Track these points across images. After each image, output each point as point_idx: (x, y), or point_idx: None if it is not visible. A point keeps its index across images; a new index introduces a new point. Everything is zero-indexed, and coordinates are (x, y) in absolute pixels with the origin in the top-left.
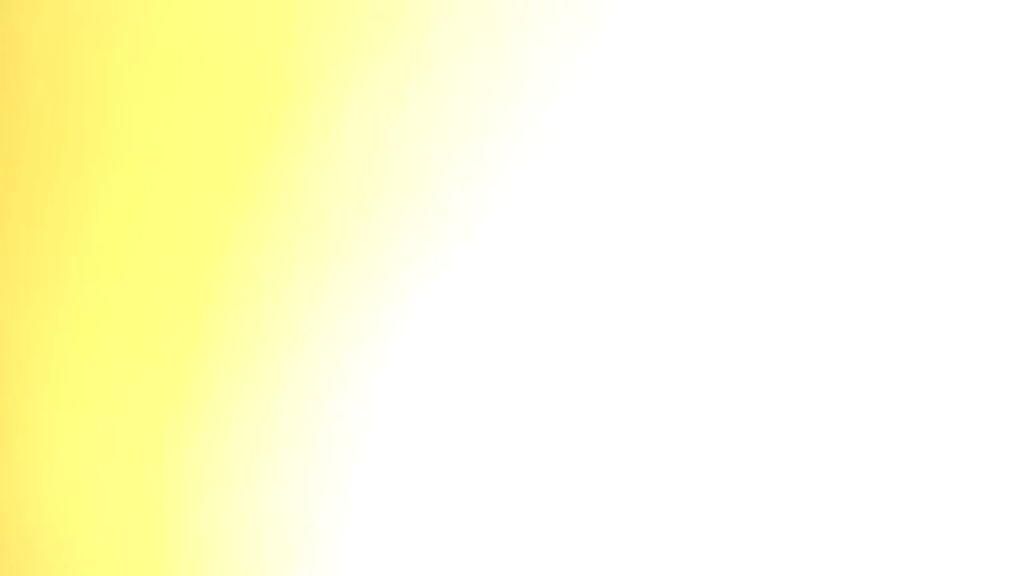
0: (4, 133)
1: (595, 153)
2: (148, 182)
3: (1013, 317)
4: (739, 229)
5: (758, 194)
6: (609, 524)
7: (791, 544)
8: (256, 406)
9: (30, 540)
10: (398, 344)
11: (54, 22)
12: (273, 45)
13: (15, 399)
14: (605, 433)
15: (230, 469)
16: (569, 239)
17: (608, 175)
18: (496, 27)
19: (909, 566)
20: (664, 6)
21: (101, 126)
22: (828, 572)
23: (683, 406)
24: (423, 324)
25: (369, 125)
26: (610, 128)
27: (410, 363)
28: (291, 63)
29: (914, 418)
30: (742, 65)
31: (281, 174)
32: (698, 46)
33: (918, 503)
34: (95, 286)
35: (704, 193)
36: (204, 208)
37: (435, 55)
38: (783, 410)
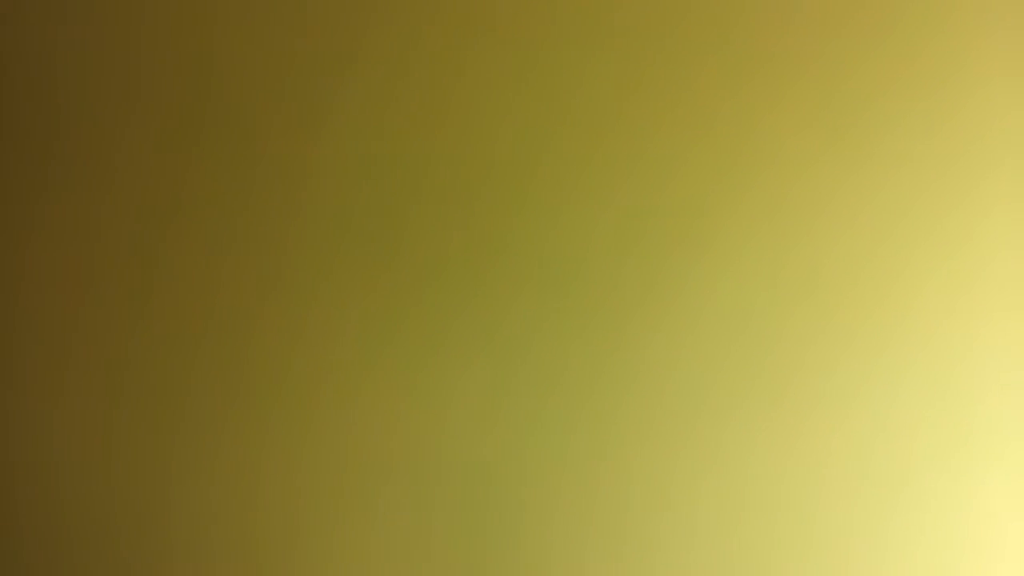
0: (5, 134)
1: None
2: (148, 184)
3: None
4: None
5: None
6: None
7: None
8: (252, 408)
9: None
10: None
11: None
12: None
13: (14, 399)
14: None
15: (223, 469)
16: None
17: None
18: None
19: None
20: None
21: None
22: None
23: None
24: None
25: None
26: None
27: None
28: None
29: None
30: None
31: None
32: None
33: None
34: (95, 288)
35: None
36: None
37: None
38: None
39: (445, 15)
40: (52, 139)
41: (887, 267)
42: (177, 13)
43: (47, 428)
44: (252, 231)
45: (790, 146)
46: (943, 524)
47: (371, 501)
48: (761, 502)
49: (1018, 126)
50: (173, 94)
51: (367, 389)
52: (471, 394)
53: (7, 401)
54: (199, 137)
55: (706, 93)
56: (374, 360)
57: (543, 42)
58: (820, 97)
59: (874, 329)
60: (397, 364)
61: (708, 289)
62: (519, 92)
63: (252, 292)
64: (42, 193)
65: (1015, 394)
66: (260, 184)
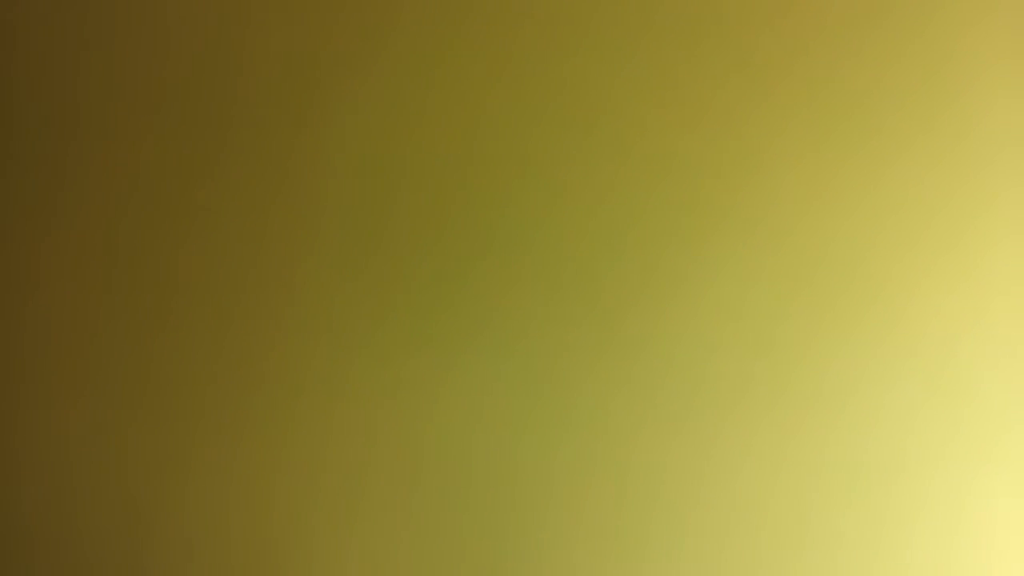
0: (18, 136)
1: None
2: (147, 181)
3: None
4: None
5: None
6: None
7: None
8: (265, 408)
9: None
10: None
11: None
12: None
13: (15, 399)
14: None
15: (235, 469)
16: None
17: None
18: None
19: None
20: None
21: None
22: None
23: None
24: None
25: None
26: None
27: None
28: None
29: None
30: None
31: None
32: None
33: None
34: (106, 287)
35: None
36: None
37: None
38: None
39: (464, 18)
40: (62, 143)
41: (884, 262)
42: (183, 14)
43: (61, 432)
44: (271, 232)
45: (786, 141)
46: (942, 522)
47: (386, 506)
48: (758, 500)
49: (1015, 118)
50: (181, 97)
51: (387, 391)
52: (493, 398)
53: (21, 405)
54: (219, 138)
55: (700, 88)
56: (394, 363)
57: (539, 40)
58: (817, 92)
59: (872, 325)
60: (418, 367)
61: (704, 285)
62: (513, 89)
63: (270, 292)
64: (54, 197)
65: (1014, 389)
66: (279, 186)
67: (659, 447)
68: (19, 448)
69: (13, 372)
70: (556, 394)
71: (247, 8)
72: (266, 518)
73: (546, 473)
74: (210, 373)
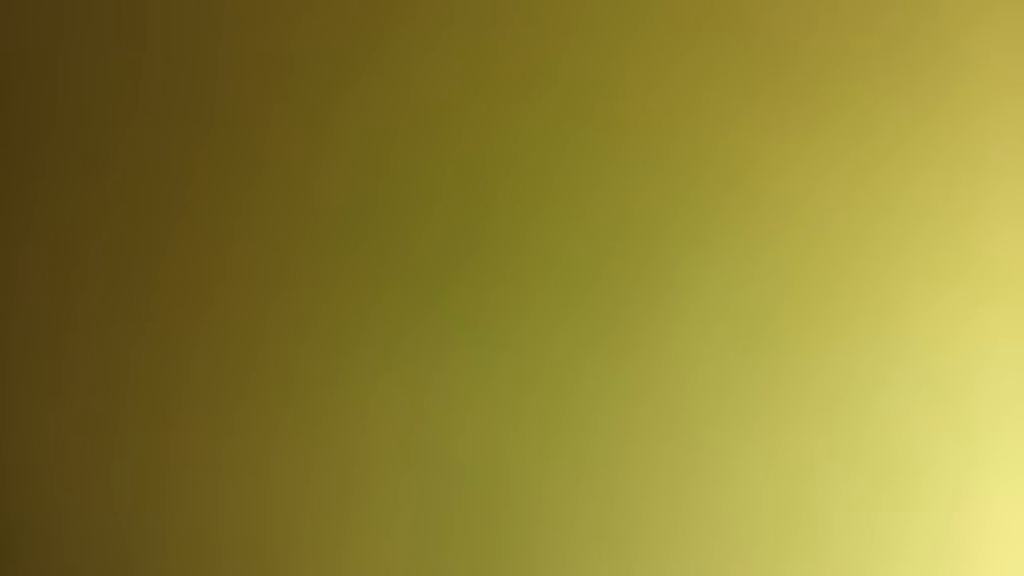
0: (3, 130)
1: None
2: (151, 181)
3: None
4: None
5: None
6: None
7: None
8: (254, 406)
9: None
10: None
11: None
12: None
13: (15, 399)
14: None
15: (225, 468)
16: None
17: None
18: None
19: None
20: None
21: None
22: None
23: None
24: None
25: None
26: None
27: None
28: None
29: None
30: None
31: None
32: None
33: None
34: (95, 286)
35: None
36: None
37: None
38: None
39: (453, 15)
40: (54, 135)
41: (877, 261)
42: (184, 11)
43: (44, 427)
44: (260, 230)
45: (778, 140)
46: (935, 522)
47: (376, 504)
48: (749, 499)
49: (1009, 117)
50: (178, 92)
51: (377, 390)
52: (484, 396)
53: (3, 399)
54: (204, 135)
55: (691, 86)
56: (384, 361)
57: (559, 43)
58: (837, 102)
59: (864, 324)
60: (408, 366)
61: (696, 283)
62: (532, 93)
63: (259, 291)
64: (39, 189)
65: (1005, 389)
66: (269, 184)
67: (650, 445)
68: (6, 446)
69: (11, 371)
70: (547, 392)
71: (247, 7)
72: (258, 518)
73: (537, 471)
74: (201, 374)
